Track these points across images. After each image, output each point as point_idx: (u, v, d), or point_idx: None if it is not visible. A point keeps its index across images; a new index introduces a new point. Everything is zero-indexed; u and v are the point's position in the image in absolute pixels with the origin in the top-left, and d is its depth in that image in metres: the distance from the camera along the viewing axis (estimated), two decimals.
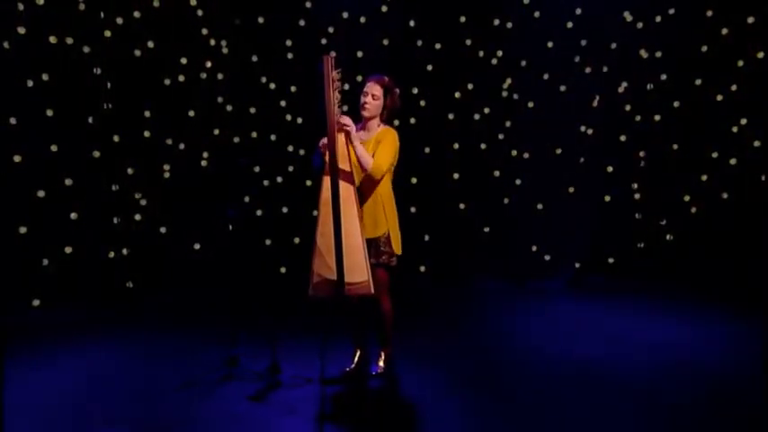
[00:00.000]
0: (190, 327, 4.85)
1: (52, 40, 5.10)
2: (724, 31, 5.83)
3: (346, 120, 3.41)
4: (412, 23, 5.91)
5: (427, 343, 4.46)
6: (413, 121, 5.97)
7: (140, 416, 3.36)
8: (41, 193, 5.14)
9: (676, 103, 5.93)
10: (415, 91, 5.94)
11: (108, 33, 5.29)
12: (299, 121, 5.84)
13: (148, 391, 3.65)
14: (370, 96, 3.54)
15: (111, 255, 5.40)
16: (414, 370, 3.93)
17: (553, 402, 3.49)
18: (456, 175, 6.03)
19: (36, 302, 5.16)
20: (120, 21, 5.32)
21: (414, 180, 6.01)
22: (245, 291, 5.34)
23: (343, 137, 3.53)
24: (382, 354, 3.82)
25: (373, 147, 3.57)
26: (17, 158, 5.04)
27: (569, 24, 5.92)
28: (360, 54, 5.82)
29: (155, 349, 4.38)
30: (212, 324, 4.75)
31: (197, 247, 5.63)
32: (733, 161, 5.89)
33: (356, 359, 3.86)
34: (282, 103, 5.82)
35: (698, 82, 5.89)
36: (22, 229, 5.09)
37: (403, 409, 3.46)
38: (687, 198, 5.99)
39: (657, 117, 5.95)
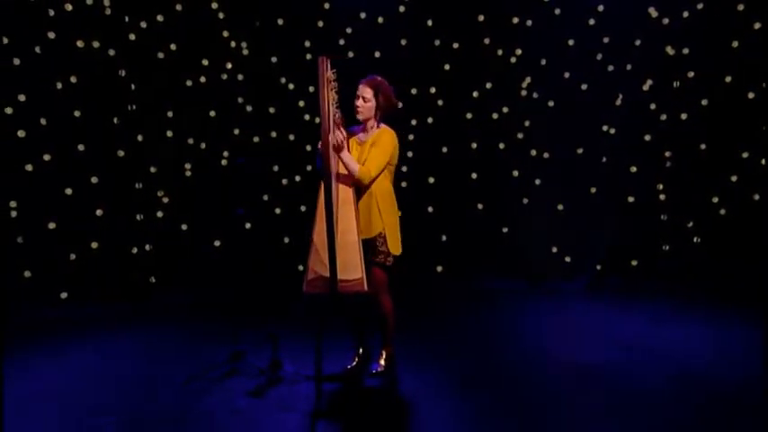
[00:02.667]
0: (202, 322, 4.99)
1: (79, 44, 5.33)
2: (756, 25, 5.59)
3: (337, 138, 3.42)
4: (430, 23, 5.90)
5: (435, 343, 4.45)
6: (430, 120, 5.97)
7: (143, 408, 3.48)
8: (69, 191, 5.37)
9: (704, 102, 5.73)
10: (433, 90, 5.93)
11: (132, 37, 5.48)
12: (317, 120, 5.90)
13: (154, 385, 3.77)
14: (361, 99, 3.56)
15: (135, 251, 5.60)
16: (417, 369, 3.93)
17: (555, 406, 3.44)
18: (474, 175, 5.99)
19: (64, 295, 5.40)
20: (143, 24, 5.51)
21: (431, 180, 6.00)
22: (256, 288, 5.45)
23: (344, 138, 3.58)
24: (383, 352, 3.84)
25: (369, 149, 3.59)
26: (47, 157, 5.29)
27: (591, 22, 5.80)
28: (377, 54, 5.85)
29: (166, 343, 4.52)
30: (224, 320, 4.87)
31: (217, 244, 5.77)
32: (764, 161, 5.65)
33: (358, 357, 3.90)
34: (301, 104, 5.91)
35: (728, 79, 5.67)
36: (51, 225, 5.33)
37: (400, 408, 3.48)
38: (716, 200, 5.78)
39: (684, 116, 5.77)
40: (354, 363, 3.88)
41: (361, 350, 3.91)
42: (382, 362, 3.83)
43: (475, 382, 3.76)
